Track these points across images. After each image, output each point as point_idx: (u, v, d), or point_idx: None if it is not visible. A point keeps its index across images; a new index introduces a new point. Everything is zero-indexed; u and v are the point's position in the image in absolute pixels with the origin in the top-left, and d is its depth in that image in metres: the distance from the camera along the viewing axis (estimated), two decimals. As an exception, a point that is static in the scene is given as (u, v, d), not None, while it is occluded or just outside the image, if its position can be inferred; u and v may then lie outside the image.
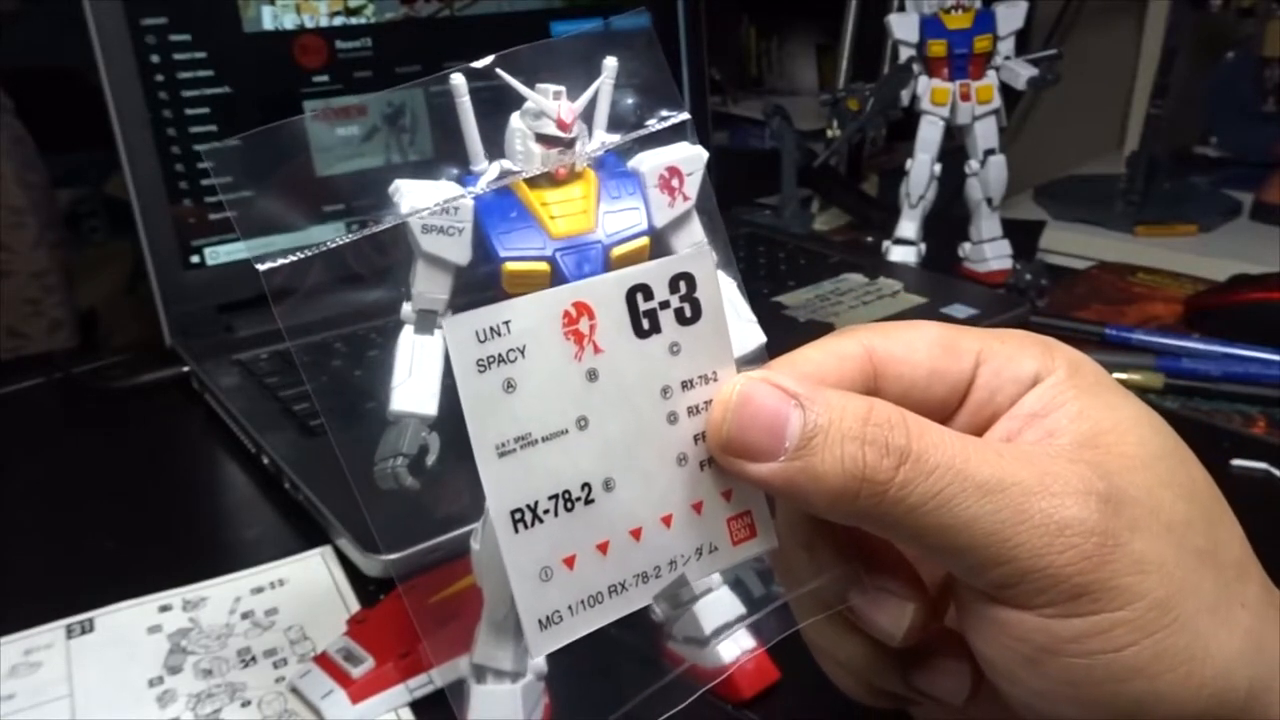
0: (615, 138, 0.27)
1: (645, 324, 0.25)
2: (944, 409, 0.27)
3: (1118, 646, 0.22)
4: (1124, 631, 0.22)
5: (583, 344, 0.24)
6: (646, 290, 0.25)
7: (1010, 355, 0.26)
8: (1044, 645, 0.23)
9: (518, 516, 0.23)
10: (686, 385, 0.25)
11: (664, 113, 0.28)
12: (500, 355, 0.23)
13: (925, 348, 0.27)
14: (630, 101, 0.28)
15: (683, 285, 0.25)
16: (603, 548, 0.24)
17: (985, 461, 0.23)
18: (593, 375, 0.24)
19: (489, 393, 0.23)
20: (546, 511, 0.23)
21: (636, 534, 0.24)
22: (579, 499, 0.24)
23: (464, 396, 0.23)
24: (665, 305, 0.25)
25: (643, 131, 0.28)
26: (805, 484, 0.23)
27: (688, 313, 0.25)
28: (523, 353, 0.23)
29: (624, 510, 0.24)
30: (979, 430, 0.26)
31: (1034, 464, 0.23)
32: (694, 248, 0.27)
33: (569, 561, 0.23)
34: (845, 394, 0.24)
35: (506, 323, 0.23)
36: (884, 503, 0.23)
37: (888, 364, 0.26)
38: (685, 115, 0.28)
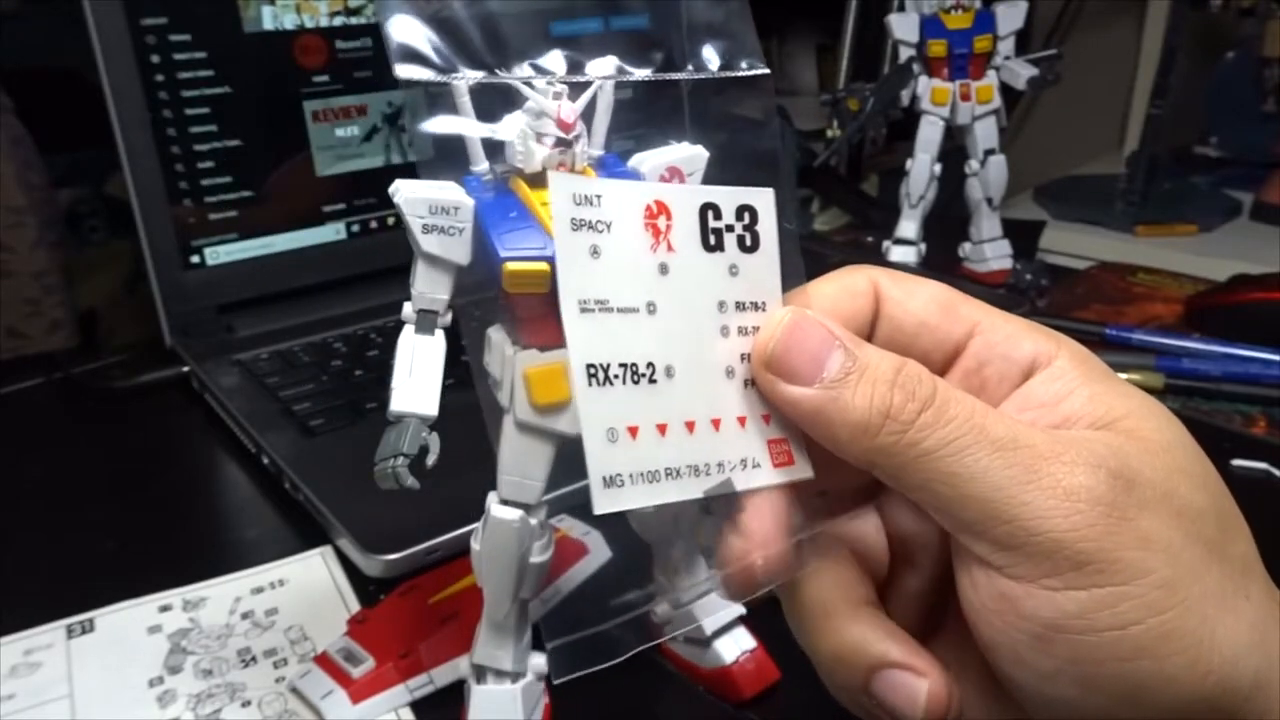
0: (695, 76, 0.29)
1: (712, 240, 0.26)
2: (925, 363, 0.27)
3: (1124, 624, 0.22)
4: (1130, 608, 0.22)
5: (659, 238, 0.25)
6: (716, 210, 0.26)
7: (1009, 333, 0.27)
8: (1050, 622, 0.23)
9: (592, 372, 0.24)
10: (740, 306, 0.27)
11: (745, 63, 0.29)
12: (590, 222, 0.25)
13: (923, 300, 0.28)
14: (713, 47, 0.29)
15: (746, 215, 0.27)
16: (661, 429, 0.25)
17: (1002, 422, 0.23)
18: (664, 269, 0.25)
19: (578, 250, 0.24)
20: (616, 376, 0.24)
21: (690, 426, 0.25)
22: (644, 376, 0.25)
23: (559, 248, 0.24)
24: (730, 229, 0.26)
25: (726, 75, 0.29)
26: (833, 414, 0.24)
27: (748, 241, 0.27)
28: (609, 228, 0.25)
29: (680, 400, 0.25)
30: None
31: (1050, 434, 0.24)
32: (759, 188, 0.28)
33: (632, 431, 0.24)
34: (882, 351, 0.25)
35: (599, 196, 0.25)
36: (901, 442, 0.23)
37: (885, 304, 0.28)
38: (765, 70, 0.29)
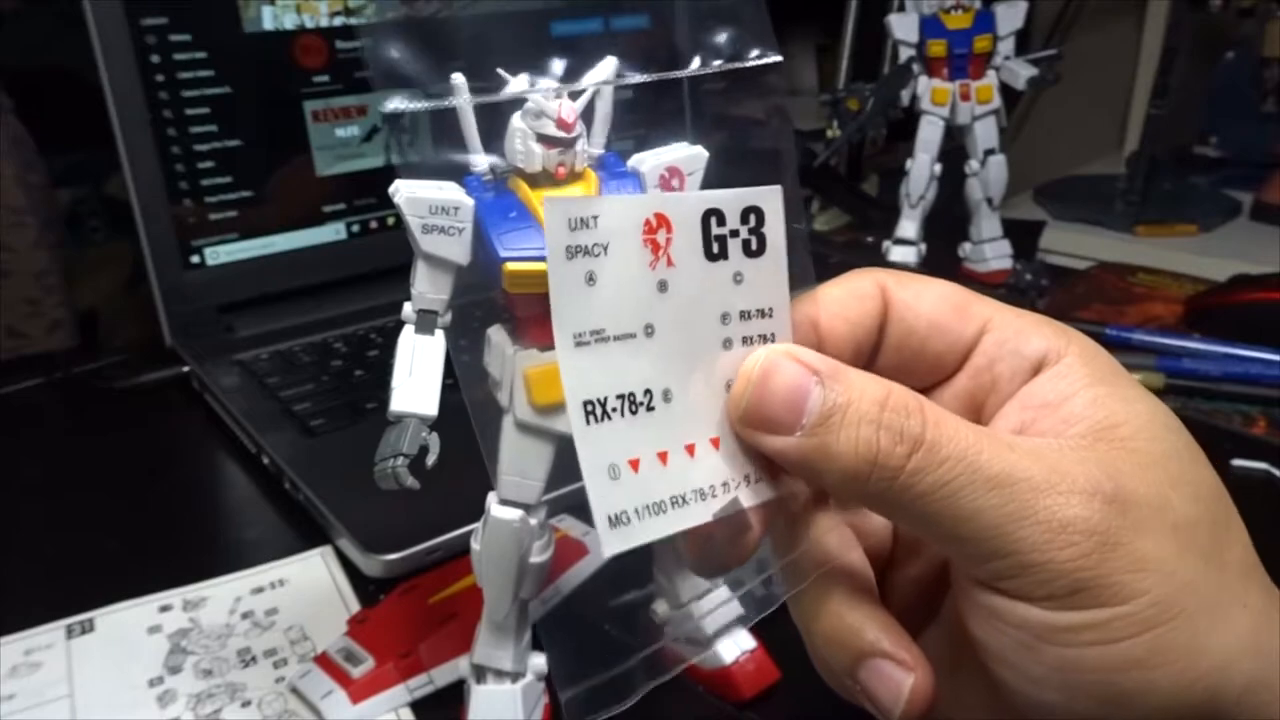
0: (715, 63, 0.28)
1: (715, 248, 0.25)
2: (939, 365, 0.27)
3: (1114, 639, 0.22)
4: (1121, 625, 0.22)
5: (658, 254, 0.24)
6: (720, 216, 0.25)
7: (1020, 329, 0.27)
8: (1040, 633, 0.23)
9: (589, 409, 0.23)
10: (745, 315, 0.26)
11: (757, 52, 0.28)
12: (586, 247, 0.24)
13: (933, 301, 0.27)
14: (724, 36, 0.28)
15: (752, 218, 0.26)
16: (662, 457, 0.24)
17: (997, 455, 0.23)
18: (663, 286, 0.24)
19: (573, 281, 0.23)
20: (614, 409, 0.24)
21: (690, 450, 0.25)
22: (642, 404, 0.24)
23: (552, 280, 0.23)
24: (735, 234, 0.25)
25: (737, 65, 0.28)
26: (819, 462, 0.23)
27: (754, 245, 0.26)
28: (605, 250, 0.24)
29: (679, 425, 0.25)
30: (975, 395, 0.27)
31: (1044, 460, 0.23)
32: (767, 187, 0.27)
33: (634, 464, 0.24)
34: (866, 376, 0.24)
35: (595, 217, 0.24)
36: (894, 488, 0.23)
37: (894, 307, 0.27)
38: (777, 57, 0.28)
